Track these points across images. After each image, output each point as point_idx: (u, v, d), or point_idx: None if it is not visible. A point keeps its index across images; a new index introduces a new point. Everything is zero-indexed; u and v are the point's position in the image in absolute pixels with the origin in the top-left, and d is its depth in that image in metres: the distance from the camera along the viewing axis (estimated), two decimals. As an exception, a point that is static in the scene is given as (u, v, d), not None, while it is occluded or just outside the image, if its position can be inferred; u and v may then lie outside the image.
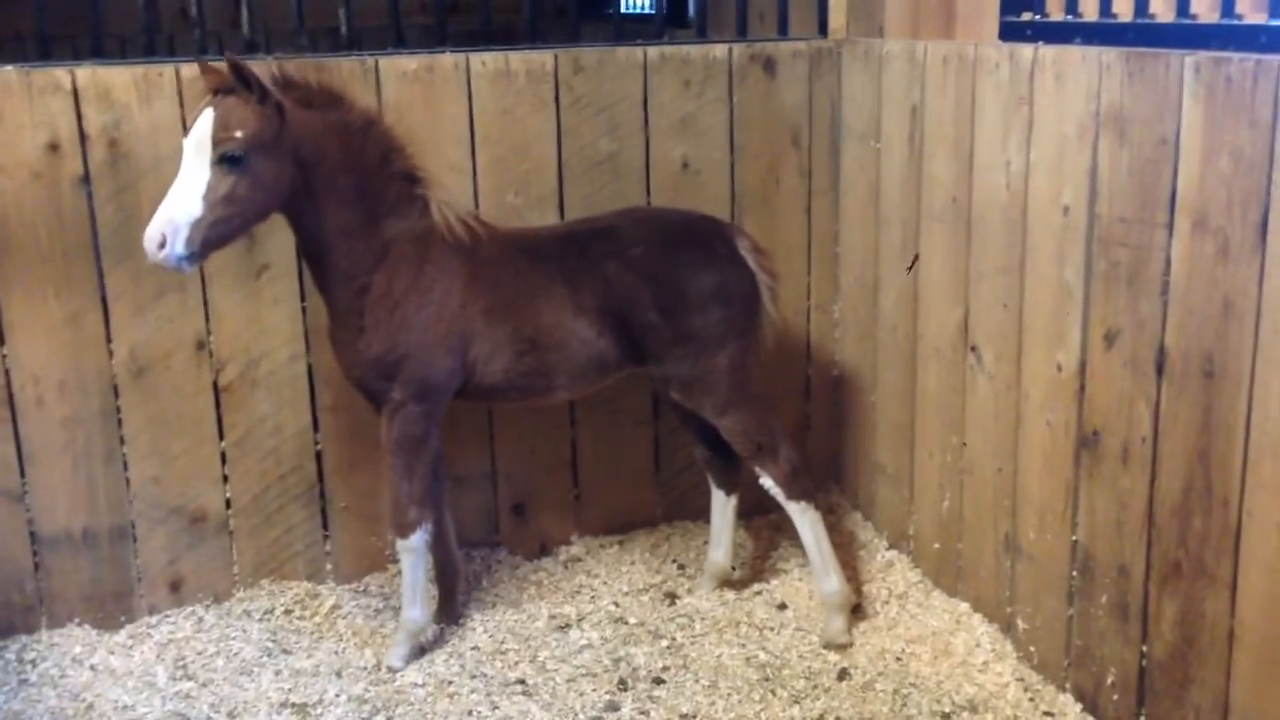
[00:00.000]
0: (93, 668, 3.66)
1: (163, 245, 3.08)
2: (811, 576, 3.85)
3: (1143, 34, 2.94)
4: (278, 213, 3.34)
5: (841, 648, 3.66)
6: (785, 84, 4.21)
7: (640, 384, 4.17)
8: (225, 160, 3.12)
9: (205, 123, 3.14)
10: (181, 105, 3.66)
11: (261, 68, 3.22)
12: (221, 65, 3.19)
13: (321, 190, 3.33)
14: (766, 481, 3.69)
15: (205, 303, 3.80)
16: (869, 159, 4.11)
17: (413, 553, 3.61)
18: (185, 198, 3.11)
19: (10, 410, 3.67)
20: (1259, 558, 2.61)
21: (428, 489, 3.61)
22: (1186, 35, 2.85)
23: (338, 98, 3.37)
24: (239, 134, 3.12)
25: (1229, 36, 2.72)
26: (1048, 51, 3.15)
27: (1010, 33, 3.38)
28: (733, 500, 3.99)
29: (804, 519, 3.71)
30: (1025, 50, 3.22)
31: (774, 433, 3.69)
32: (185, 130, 3.21)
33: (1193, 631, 2.82)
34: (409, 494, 3.56)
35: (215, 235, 3.15)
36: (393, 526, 3.67)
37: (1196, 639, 2.81)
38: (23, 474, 3.72)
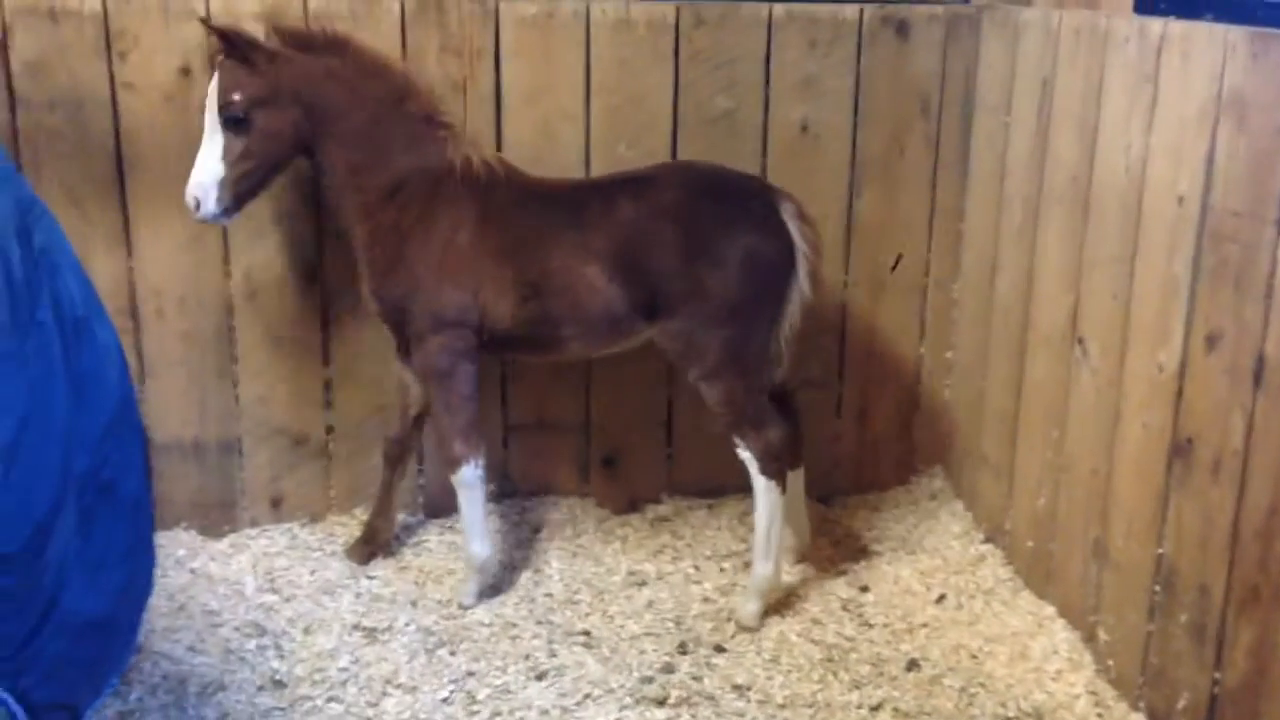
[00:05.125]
0: (192, 571, 3.85)
1: (198, 207, 3.39)
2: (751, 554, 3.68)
3: (1275, 11, 2.66)
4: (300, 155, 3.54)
5: (749, 630, 3.58)
6: (918, 49, 4.03)
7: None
8: (230, 122, 3.36)
9: (212, 88, 3.37)
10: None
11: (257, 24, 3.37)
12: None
13: (329, 132, 3.46)
14: (744, 454, 3.56)
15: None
16: (999, 133, 3.90)
17: (466, 487, 3.63)
18: (208, 161, 3.39)
19: (133, 321, 3.85)
20: (1342, 592, 2.39)
21: (473, 422, 3.61)
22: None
23: (342, 43, 3.47)
24: (236, 96, 3.35)
25: (1372, 18, 2.45)
26: (1176, 27, 2.91)
27: (1145, 5, 3.13)
28: (799, 472, 3.86)
29: (767, 498, 3.57)
30: (1155, 25, 2.99)
31: (760, 409, 3.55)
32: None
33: (1266, 661, 2.61)
34: (451, 427, 3.59)
35: (245, 188, 3.43)
36: (442, 461, 3.74)
37: (1269, 669, 2.60)
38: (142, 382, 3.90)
